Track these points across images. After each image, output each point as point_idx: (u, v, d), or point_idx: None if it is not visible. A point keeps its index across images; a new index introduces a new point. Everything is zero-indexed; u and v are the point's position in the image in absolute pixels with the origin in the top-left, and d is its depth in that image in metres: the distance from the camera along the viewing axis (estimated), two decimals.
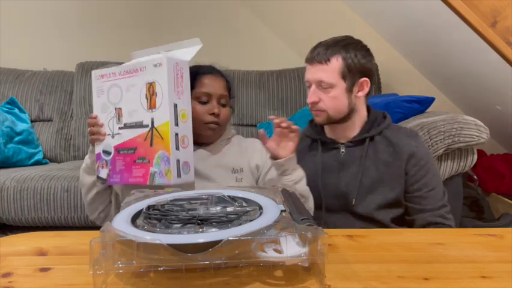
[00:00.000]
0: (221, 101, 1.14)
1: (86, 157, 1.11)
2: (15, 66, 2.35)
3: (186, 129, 0.96)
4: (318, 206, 1.15)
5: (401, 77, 2.45)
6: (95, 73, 1.06)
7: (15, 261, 0.69)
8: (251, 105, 2.23)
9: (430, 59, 2.28)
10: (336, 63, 1.12)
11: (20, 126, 2.11)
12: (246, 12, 2.48)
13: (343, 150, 1.20)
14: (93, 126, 1.05)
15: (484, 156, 2.27)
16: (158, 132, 0.94)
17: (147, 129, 0.95)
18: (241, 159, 1.16)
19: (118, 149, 1.00)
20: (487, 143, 1.44)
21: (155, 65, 0.94)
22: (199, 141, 1.14)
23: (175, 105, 0.94)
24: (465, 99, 2.35)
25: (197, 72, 1.15)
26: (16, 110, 2.16)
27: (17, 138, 2.06)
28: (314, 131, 1.26)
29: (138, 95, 0.97)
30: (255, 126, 2.22)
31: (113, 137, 1.02)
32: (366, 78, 1.16)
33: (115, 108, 1.01)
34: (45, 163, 2.16)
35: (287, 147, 1.06)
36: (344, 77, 1.13)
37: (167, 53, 1.00)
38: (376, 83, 2.26)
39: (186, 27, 2.47)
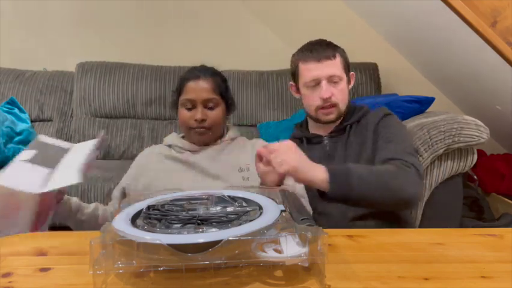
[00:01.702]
0: (208, 104, 1.14)
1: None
2: (15, 66, 2.34)
3: None
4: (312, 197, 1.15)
5: (401, 77, 2.45)
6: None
7: (15, 261, 0.69)
8: (251, 105, 2.23)
9: (430, 59, 2.28)
10: (339, 58, 1.22)
11: (20, 126, 2.11)
12: (246, 12, 2.48)
13: (326, 141, 1.25)
14: None
15: (484, 156, 2.27)
16: None
17: None
18: (246, 158, 1.17)
19: None
20: (487, 143, 1.43)
21: None
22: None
23: None
24: (465, 99, 2.35)
25: (183, 78, 1.17)
26: (16, 110, 2.16)
27: (17, 138, 2.05)
28: (300, 131, 1.32)
29: None
30: (255, 126, 2.21)
31: None
32: (353, 72, 1.29)
33: None
34: None
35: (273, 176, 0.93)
36: (345, 70, 1.23)
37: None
38: (376, 83, 2.26)
39: (186, 27, 2.47)
